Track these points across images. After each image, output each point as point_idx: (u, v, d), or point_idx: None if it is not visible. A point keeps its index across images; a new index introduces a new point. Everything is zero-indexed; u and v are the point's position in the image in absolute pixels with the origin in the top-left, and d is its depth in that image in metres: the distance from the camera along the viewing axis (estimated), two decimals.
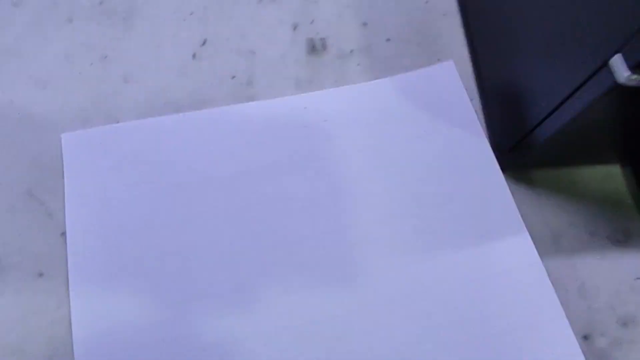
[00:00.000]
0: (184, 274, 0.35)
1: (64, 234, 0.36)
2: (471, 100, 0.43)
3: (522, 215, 0.39)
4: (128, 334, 0.34)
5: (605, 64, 0.26)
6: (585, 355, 0.35)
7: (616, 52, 0.25)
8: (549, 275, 0.37)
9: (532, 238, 0.38)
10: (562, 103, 0.32)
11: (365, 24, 0.45)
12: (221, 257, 0.36)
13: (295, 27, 0.45)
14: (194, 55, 0.43)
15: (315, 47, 0.44)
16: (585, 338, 0.36)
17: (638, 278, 0.38)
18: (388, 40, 0.45)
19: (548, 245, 0.38)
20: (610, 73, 0.26)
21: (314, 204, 0.38)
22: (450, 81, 0.43)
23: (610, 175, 0.41)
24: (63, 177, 0.38)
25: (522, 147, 0.37)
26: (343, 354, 0.34)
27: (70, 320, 0.34)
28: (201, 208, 0.37)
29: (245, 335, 0.34)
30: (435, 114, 0.42)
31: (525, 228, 0.38)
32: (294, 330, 0.34)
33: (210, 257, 0.36)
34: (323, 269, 0.36)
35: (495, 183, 0.39)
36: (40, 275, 0.35)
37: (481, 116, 0.42)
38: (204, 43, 0.43)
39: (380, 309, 0.35)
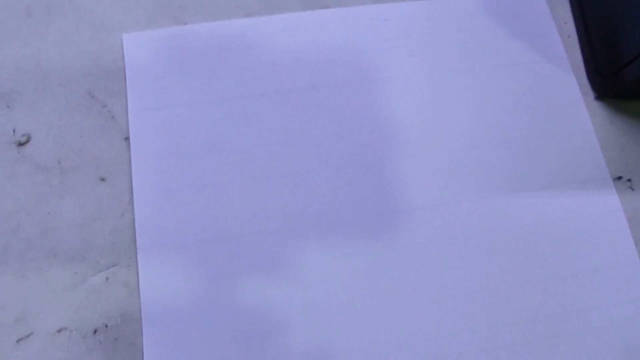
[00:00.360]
0: (241, 190, 0.33)
1: (127, 138, 0.34)
2: (565, 23, 0.39)
3: (620, 148, 0.35)
4: (192, 244, 0.31)
5: None
6: None
7: None
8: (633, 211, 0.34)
9: (632, 171, 0.35)
10: None
11: None
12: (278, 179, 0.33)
13: None
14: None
15: None
16: None
17: None
18: None
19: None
20: None
21: (389, 124, 0.35)
22: (538, 7, 0.39)
23: None
24: (125, 80, 0.35)
25: (629, 72, 0.34)
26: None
27: (134, 229, 0.32)
28: (264, 122, 0.34)
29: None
30: (521, 41, 0.38)
31: (609, 175, 0.35)
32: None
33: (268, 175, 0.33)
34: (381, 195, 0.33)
35: (581, 124, 0.36)
36: (103, 180, 0.33)
37: (575, 39, 0.39)
38: None
39: (444, 245, 0.32)
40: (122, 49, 0.36)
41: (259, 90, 0.35)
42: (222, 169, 0.33)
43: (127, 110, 0.34)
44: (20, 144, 0.33)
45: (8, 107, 0.34)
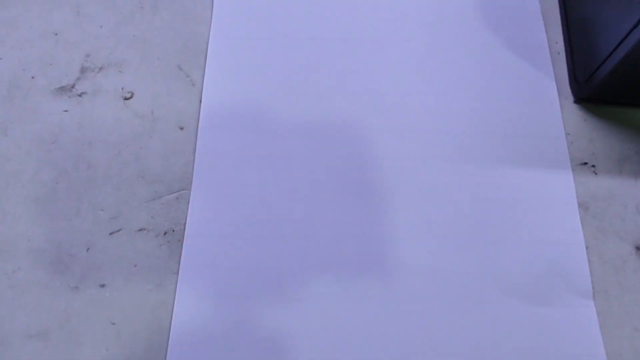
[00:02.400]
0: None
1: (201, 100, 0.45)
2: (556, 42, 0.48)
3: (589, 140, 0.44)
4: (240, 188, 0.42)
5: None
6: (637, 265, 0.40)
7: None
8: (609, 191, 0.42)
9: (597, 159, 0.43)
10: (628, 34, 0.37)
11: None
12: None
13: None
14: None
15: None
16: (638, 249, 0.40)
17: None
18: None
19: (612, 166, 0.43)
20: None
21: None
22: (531, 11, 0.49)
23: None
24: (206, 57, 0.46)
25: (595, 78, 0.42)
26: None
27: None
28: (316, 64, 0.46)
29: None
30: (508, 35, 0.48)
31: (568, 162, 0.43)
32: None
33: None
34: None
35: (551, 113, 0.45)
36: (181, 128, 0.44)
37: (563, 56, 0.47)
38: None
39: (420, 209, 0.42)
40: (207, 36, 0.47)
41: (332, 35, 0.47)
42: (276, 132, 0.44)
43: (203, 80, 0.46)
44: (126, 98, 0.45)
45: (120, 72, 0.46)
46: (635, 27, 0.37)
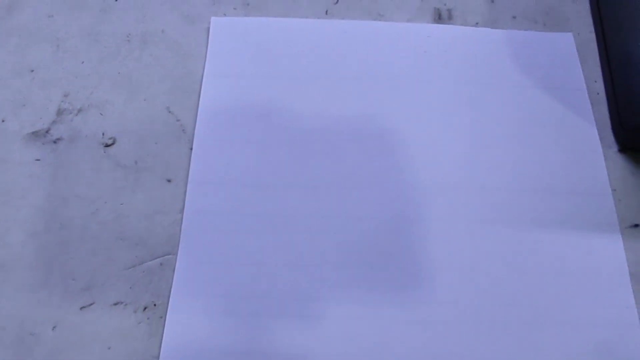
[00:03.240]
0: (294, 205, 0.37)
1: (191, 148, 0.39)
2: (595, 81, 0.43)
3: (638, 199, 0.38)
4: (233, 236, 0.36)
5: None
6: None
7: None
8: None
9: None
10: None
11: (492, 1, 0.47)
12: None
13: None
14: (326, 12, 0.46)
15: (441, 16, 0.46)
16: None
17: None
18: (514, 17, 0.46)
19: None
20: None
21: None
22: (566, 51, 0.43)
23: None
24: (199, 99, 0.41)
25: None
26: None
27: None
28: (327, 109, 0.41)
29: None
30: (542, 77, 0.42)
31: (617, 225, 0.37)
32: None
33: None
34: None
35: (594, 164, 0.39)
36: (169, 181, 0.38)
37: (603, 96, 0.42)
38: (337, 2, 0.46)
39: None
40: (201, 74, 0.42)
41: (320, 81, 0.42)
42: (274, 181, 0.38)
43: (194, 127, 0.40)
44: (107, 145, 0.40)
45: (101, 114, 0.41)
46: None
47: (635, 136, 0.38)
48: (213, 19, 0.44)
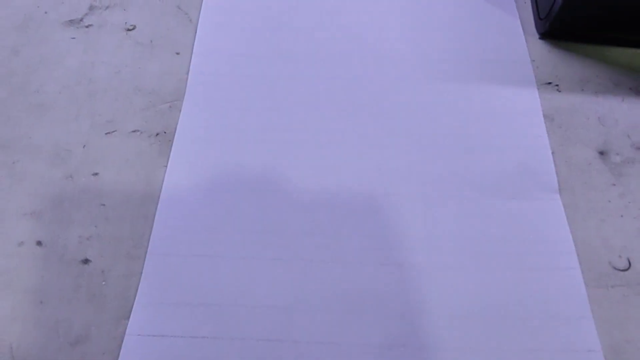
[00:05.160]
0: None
1: (196, 32, 0.49)
2: None
3: (553, 66, 0.47)
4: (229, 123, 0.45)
5: None
6: (601, 167, 0.42)
7: None
8: (572, 105, 0.45)
9: (560, 80, 0.46)
10: None
11: None
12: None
13: None
14: None
15: None
16: (601, 154, 0.43)
17: None
18: None
19: (574, 86, 0.46)
20: None
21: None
22: None
23: (638, 54, 0.49)
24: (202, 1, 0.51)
25: (551, 14, 0.47)
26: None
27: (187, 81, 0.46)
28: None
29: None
30: None
31: (534, 82, 0.46)
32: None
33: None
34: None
35: (517, 43, 0.49)
36: (177, 53, 0.48)
37: (529, 4, 0.52)
38: None
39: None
40: None
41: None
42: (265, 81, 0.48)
43: (199, 17, 0.50)
44: (128, 30, 0.49)
45: (124, 10, 0.51)
46: None
47: (546, 23, 0.48)
48: None
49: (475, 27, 0.50)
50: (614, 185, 0.41)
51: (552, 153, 0.42)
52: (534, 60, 0.48)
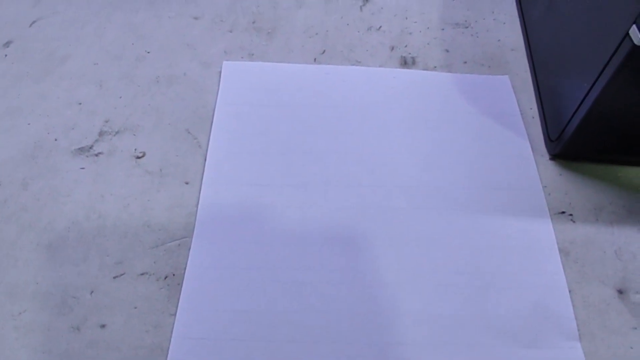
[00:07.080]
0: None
1: (205, 159, 0.49)
2: (530, 108, 0.53)
3: (564, 192, 0.47)
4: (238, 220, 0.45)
5: (625, 35, 0.36)
6: (620, 308, 0.41)
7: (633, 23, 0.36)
8: (587, 238, 0.44)
9: (574, 208, 0.46)
10: (589, 90, 0.42)
11: (447, 51, 0.58)
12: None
13: (392, 49, 0.59)
14: (315, 60, 0.57)
15: (406, 62, 0.57)
16: (620, 292, 0.42)
17: None
18: (465, 62, 0.57)
19: (588, 215, 0.45)
20: (630, 40, 0.36)
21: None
22: (503, 88, 0.54)
23: None
24: (212, 123, 0.52)
25: (564, 136, 0.46)
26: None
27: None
28: (314, 130, 0.51)
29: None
30: (486, 107, 0.53)
31: (547, 211, 0.46)
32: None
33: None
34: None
35: (528, 168, 0.48)
36: (187, 183, 0.48)
37: (537, 119, 0.52)
38: (323, 52, 0.58)
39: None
40: (214, 105, 0.53)
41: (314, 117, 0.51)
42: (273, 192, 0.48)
43: (208, 142, 0.50)
44: (138, 157, 0.50)
45: (134, 135, 0.51)
46: (586, 95, 0.42)
47: (558, 145, 0.47)
48: (225, 62, 0.56)
49: (484, 153, 0.49)
50: (635, 329, 0.40)
51: (570, 292, 0.41)
52: (545, 187, 0.47)
